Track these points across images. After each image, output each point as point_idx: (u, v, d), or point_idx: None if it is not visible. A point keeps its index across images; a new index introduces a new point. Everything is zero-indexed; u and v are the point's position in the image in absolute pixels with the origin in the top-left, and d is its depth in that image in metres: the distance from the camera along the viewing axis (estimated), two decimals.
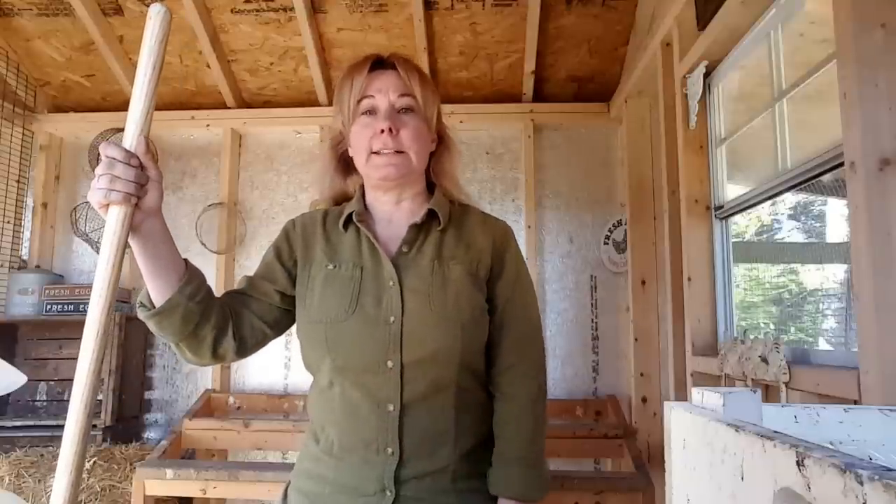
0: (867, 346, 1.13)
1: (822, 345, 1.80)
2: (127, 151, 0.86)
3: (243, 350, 1.07)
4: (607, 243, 3.03)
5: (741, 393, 0.59)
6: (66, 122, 3.28)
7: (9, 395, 2.84)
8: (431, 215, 1.11)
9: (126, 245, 0.87)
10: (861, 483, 0.34)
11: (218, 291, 1.05)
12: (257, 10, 2.85)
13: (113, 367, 2.80)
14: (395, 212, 1.15)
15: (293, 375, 3.07)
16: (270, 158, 3.26)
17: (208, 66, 3.06)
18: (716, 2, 1.81)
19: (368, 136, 1.08)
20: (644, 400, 2.68)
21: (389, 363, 1.02)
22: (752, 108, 1.84)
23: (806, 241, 1.97)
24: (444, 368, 1.04)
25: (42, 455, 2.54)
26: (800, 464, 0.39)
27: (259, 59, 3.07)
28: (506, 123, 3.15)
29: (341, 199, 1.21)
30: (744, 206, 1.84)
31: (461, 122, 3.05)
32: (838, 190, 1.56)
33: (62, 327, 2.99)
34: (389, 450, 1.02)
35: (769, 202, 1.78)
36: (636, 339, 2.72)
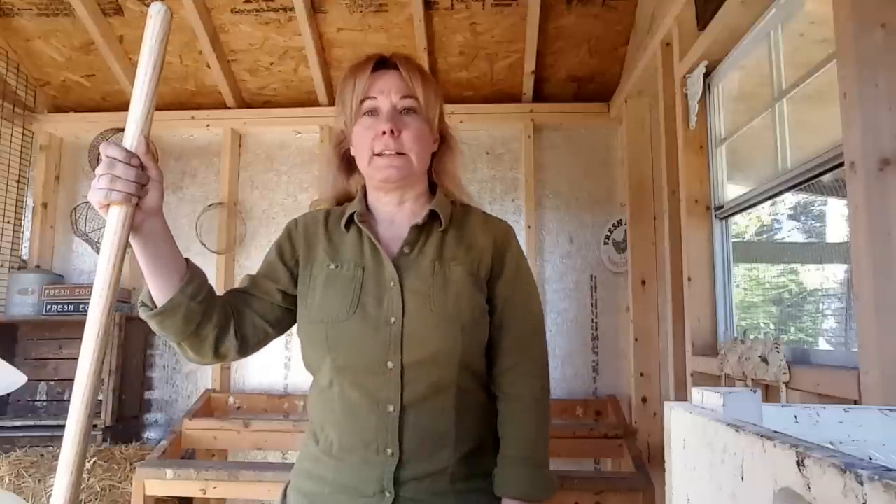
0: (867, 346, 1.13)
1: (822, 345, 1.80)
2: (127, 151, 0.86)
3: (245, 349, 1.08)
4: (607, 243, 3.03)
5: (741, 393, 0.59)
6: (66, 122, 3.28)
7: (9, 395, 2.84)
8: (433, 216, 1.11)
9: (127, 245, 0.87)
10: (861, 483, 0.34)
11: (218, 291, 1.05)
12: (257, 10, 2.85)
13: (113, 367, 2.80)
14: (396, 212, 1.15)
15: (293, 375, 3.07)
16: (270, 158, 3.26)
17: (208, 66, 3.06)
18: (716, 2, 1.81)
19: (370, 137, 1.08)
20: (644, 400, 2.68)
21: (390, 364, 1.02)
22: (752, 108, 1.84)
23: (806, 241, 1.97)
24: (444, 369, 1.04)
25: (42, 455, 2.54)
26: (800, 464, 0.39)
27: (259, 59, 3.07)
28: (506, 123, 3.15)
29: (343, 199, 1.21)
30: (744, 206, 1.84)
31: (461, 122, 3.05)
32: (838, 190, 1.56)
33: (62, 327, 2.99)
34: (389, 450, 1.02)
35: (769, 202, 1.78)
36: (636, 339, 2.72)
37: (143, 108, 0.86)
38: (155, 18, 0.86)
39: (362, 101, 1.10)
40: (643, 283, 2.74)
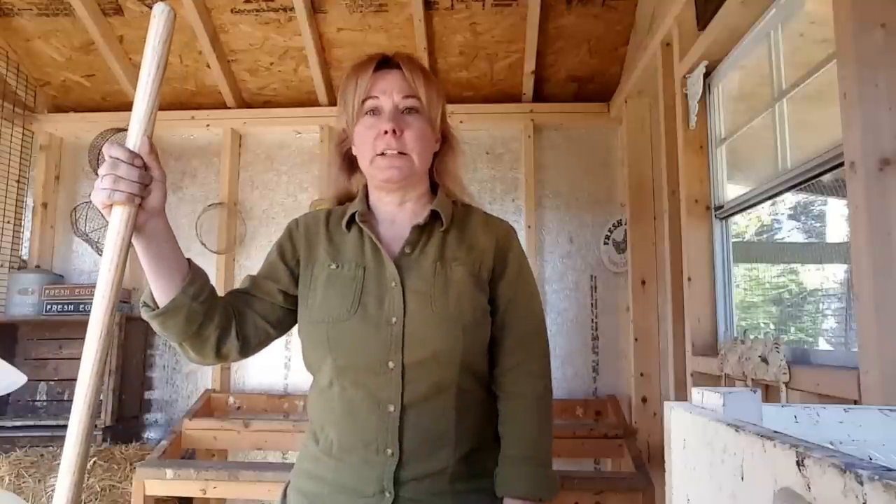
0: (867, 346, 1.13)
1: (822, 345, 1.81)
2: (130, 152, 0.86)
3: (246, 349, 1.08)
4: (607, 243, 3.03)
5: (741, 393, 0.59)
6: (66, 122, 3.28)
7: (9, 395, 2.84)
8: (434, 216, 1.11)
9: (130, 245, 0.87)
10: (861, 483, 0.34)
11: (218, 292, 1.05)
12: (257, 10, 2.85)
13: (113, 367, 2.80)
14: (398, 212, 1.15)
15: (293, 375, 3.07)
16: (270, 158, 3.26)
17: (208, 66, 3.06)
18: (716, 2, 1.81)
19: (372, 136, 1.07)
20: (644, 400, 2.68)
21: (391, 364, 1.02)
22: (752, 108, 1.84)
23: (806, 241, 1.97)
24: (445, 369, 1.04)
25: (42, 455, 2.54)
26: (800, 464, 0.39)
27: (259, 59, 3.07)
28: (506, 123, 3.15)
29: (344, 199, 1.21)
30: (744, 206, 1.84)
31: (461, 122, 3.05)
32: (838, 190, 1.56)
33: (62, 327, 2.99)
34: (389, 451, 1.02)
35: (769, 202, 1.78)
36: (636, 339, 2.72)
37: (147, 109, 0.86)
38: (158, 19, 0.86)
39: (364, 101, 1.09)
40: (643, 283, 2.74)
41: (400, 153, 1.07)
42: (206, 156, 3.28)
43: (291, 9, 2.80)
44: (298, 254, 1.14)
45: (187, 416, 2.77)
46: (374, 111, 1.09)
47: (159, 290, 0.96)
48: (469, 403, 1.09)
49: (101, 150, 3.03)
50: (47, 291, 2.98)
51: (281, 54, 3.05)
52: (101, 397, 2.76)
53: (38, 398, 2.98)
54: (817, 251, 1.90)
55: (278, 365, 3.09)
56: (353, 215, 1.12)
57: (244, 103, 3.26)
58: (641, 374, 2.70)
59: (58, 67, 3.18)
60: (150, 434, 3.09)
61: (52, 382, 2.99)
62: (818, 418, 0.63)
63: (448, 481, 1.04)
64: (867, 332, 1.13)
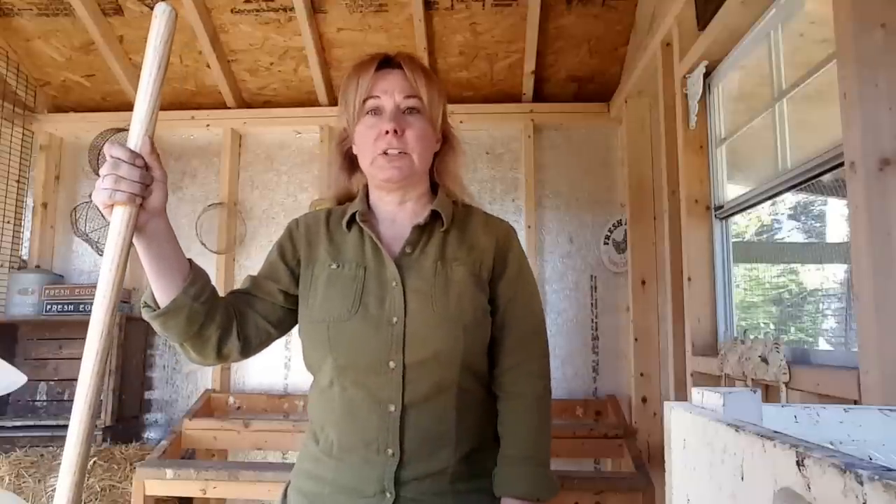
0: (867, 346, 1.13)
1: (822, 345, 1.81)
2: (132, 152, 0.86)
3: (247, 350, 1.08)
4: (607, 243, 3.03)
5: (741, 393, 0.59)
6: (66, 122, 3.28)
7: (9, 395, 2.84)
8: (435, 216, 1.11)
9: (131, 245, 0.87)
10: (861, 483, 0.34)
11: (218, 292, 1.05)
12: (257, 10, 2.85)
13: (113, 367, 2.80)
14: (398, 212, 1.15)
15: (293, 375, 3.07)
16: (270, 158, 3.26)
17: (208, 66, 3.06)
18: (716, 2, 1.81)
19: (373, 136, 1.07)
20: (644, 400, 2.68)
21: (391, 364, 1.02)
22: (752, 108, 1.84)
23: (806, 241, 1.97)
24: (446, 369, 1.04)
25: (42, 455, 2.54)
26: (800, 464, 0.40)
27: (259, 59, 3.07)
28: (506, 123, 3.15)
29: (345, 199, 1.21)
30: (744, 206, 1.84)
31: (461, 122, 3.05)
32: (838, 190, 1.56)
33: (62, 327, 2.99)
34: (390, 451, 1.02)
35: (769, 202, 1.78)
36: (636, 339, 2.72)
37: (148, 109, 0.86)
38: (160, 19, 0.86)
39: (365, 101, 1.09)
40: (643, 283, 2.74)
41: (401, 153, 1.07)
42: (206, 156, 3.28)
43: (291, 9, 2.80)
44: (299, 254, 1.14)
45: (187, 416, 2.77)
46: (376, 111, 1.09)
47: (160, 290, 0.96)
48: (470, 403, 1.09)
49: (101, 150, 3.03)
50: (47, 291, 2.99)
51: (281, 54, 3.05)
52: (102, 397, 2.76)
53: (38, 398, 2.98)
54: (817, 251, 1.90)
55: (278, 365, 3.09)
56: (353, 215, 1.12)
57: (244, 103, 3.26)
58: (641, 374, 2.70)
59: (58, 67, 3.18)
60: (150, 434, 3.09)
61: (52, 382, 2.99)
62: (818, 418, 0.63)
63: (449, 481, 1.04)
64: (867, 332, 1.13)
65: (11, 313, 2.99)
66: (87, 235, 3.13)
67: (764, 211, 1.97)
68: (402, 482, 1.02)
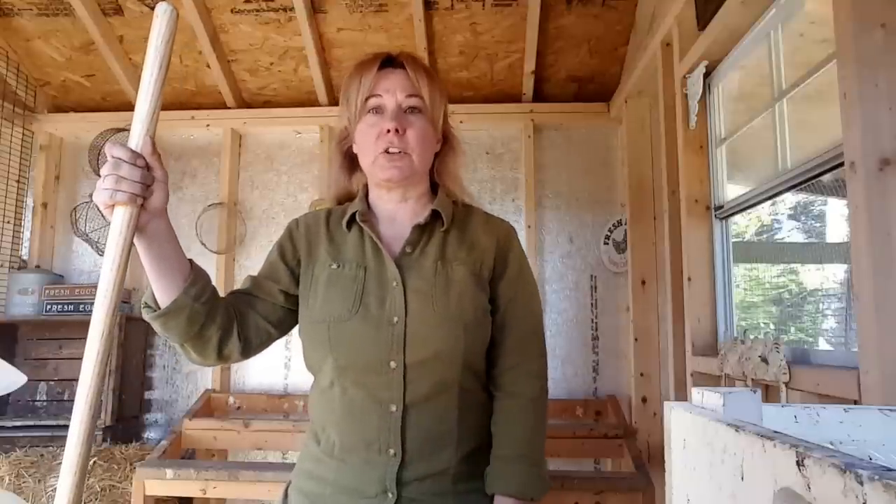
0: (867, 346, 1.13)
1: (822, 345, 1.81)
2: (133, 152, 0.86)
3: (248, 350, 1.08)
4: (607, 243, 3.03)
5: (741, 393, 0.59)
6: (66, 122, 3.28)
7: (9, 395, 2.84)
8: (435, 216, 1.11)
9: (132, 246, 0.86)
10: (861, 483, 0.34)
11: (218, 292, 1.05)
12: (257, 10, 2.85)
13: (113, 367, 2.80)
14: (398, 211, 1.14)
15: (293, 375, 3.08)
16: (270, 158, 3.26)
17: (208, 66, 3.06)
18: (716, 2, 1.81)
19: (374, 135, 1.07)
20: (644, 400, 2.68)
21: (392, 364, 1.02)
22: (752, 108, 1.84)
23: (806, 241, 1.97)
24: (447, 369, 1.04)
25: (42, 455, 2.54)
26: (800, 464, 0.40)
27: (259, 59, 3.07)
28: (506, 123, 3.15)
29: (345, 199, 1.21)
30: (744, 206, 1.84)
31: (461, 122, 3.05)
32: (838, 190, 1.56)
33: (62, 327, 2.99)
34: (391, 451, 1.02)
35: (769, 202, 1.78)
36: (636, 339, 2.72)
37: (149, 109, 0.86)
38: (161, 18, 0.85)
39: (367, 99, 1.09)
40: (643, 283, 2.74)
41: (401, 152, 1.07)
42: (206, 156, 3.28)
43: (291, 9, 2.80)
44: (299, 254, 1.14)
45: (187, 416, 2.77)
46: (377, 110, 1.09)
47: (161, 290, 0.96)
48: (471, 403, 1.09)
49: (101, 150, 3.03)
50: (47, 291, 2.99)
51: (281, 54, 3.05)
52: (102, 397, 2.76)
53: (38, 398, 2.98)
54: (817, 251, 1.90)
55: (278, 365, 3.09)
56: (353, 215, 1.12)
57: (244, 103, 3.26)
58: (641, 374, 2.70)
59: (58, 67, 3.18)
60: (150, 434, 3.09)
61: (52, 382, 2.99)
62: (818, 418, 0.63)
63: (450, 481, 1.04)
64: (867, 332, 1.13)
65: (11, 313, 2.99)
66: (87, 235, 3.13)
67: (764, 211, 1.97)
68: (404, 482, 1.01)
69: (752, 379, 1.56)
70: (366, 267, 1.08)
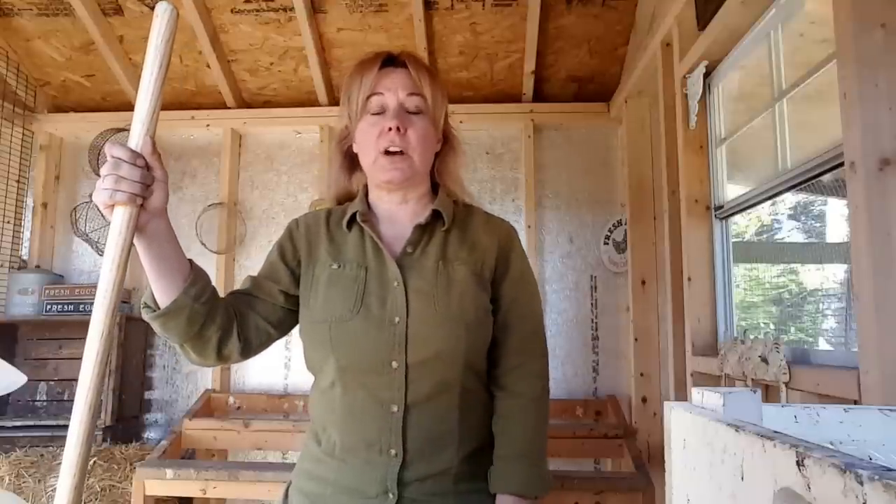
0: (867, 346, 1.13)
1: (822, 345, 1.81)
2: (133, 152, 0.86)
3: (248, 351, 1.07)
4: (607, 243, 3.03)
5: (741, 393, 0.59)
6: (66, 122, 3.28)
7: (9, 395, 2.84)
8: (436, 216, 1.11)
9: (131, 246, 0.86)
10: (861, 483, 0.34)
11: (218, 292, 1.05)
12: (257, 10, 2.85)
13: (113, 367, 2.80)
14: (398, 211, 1.14)
15: (293, 375, 3.08)
16: (270, 158, 3.26)
17: (208, 66, 3.06)
18: (716, 2, 1.81)
19: (376, 133, 1.07)
20: (644, 400, 2.68)
21: (394, 364, 1.02)
22: (752, 108, 1.84)
23: (806, 241, 1.97)
24: (448, 369, 1.04)
25: (42, 455, 2.54)
26: (800, 464, 0.40)
27: (259, 59, 3.07)
28: (506, 123, 3.15)
29: (344, 199, 1.21)
30: (744, 206, 1.84)
31: (461, 122, 3.05)
32: (838, 190, 1.56)
33: (62, 327, 2.99)
34: (393, 451, 1.02)
35: (769, 202, 1.78)
36: (636, 339, 2.72)
37: (149, 108, 0.85)
38: (161, 18, 0.85)
39: (369, 98, 1.09)
40: (643, 283, 2.74)
41: (402, 153, 1.07)
42: (206, 156, 3.28)
43: (291, 9, 2.80)
44: (299, 254, 1.13)
45: (187, 416, 2.77)
46: (379, 108, 1.09)
47: (160, 290, 0.96)
48: (472, 403, 1.09)
49: (101, 150, 3.03)
50: (47, 291, 2.99)
51: (281, 54, 3.05)
52: (102, 397, 2.76)
53: (38, 398, 2.98)
54: (817, 251, 1.90)
55: (278, 365, 3.09)
56: (353, 215, 1.12)
57: (244, 103, 3.26)
58: (641, 374, 2.70)
59: (58, 67, 3.18)
60: (150, 434, 3.09)
61: (52, 382, 2.99)
62: (818, 418, 0.63)
63: (452, 482, 1.04)
64: (867, 332, 1.13)
65: (11, 313, 2.99)
66: (87, 235, 3.13)
67: (764, 211, 1.97)
68: (405, 483, 1.01)
69: (752, 379, 1.56)
70: (366, 267, 1.08)
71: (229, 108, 3.22)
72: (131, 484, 2.32)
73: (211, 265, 3.04)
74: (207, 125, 3.20)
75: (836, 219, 1.73)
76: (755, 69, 1.84)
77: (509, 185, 3.15)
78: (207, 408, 2.93)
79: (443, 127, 1.17)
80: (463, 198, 1.19)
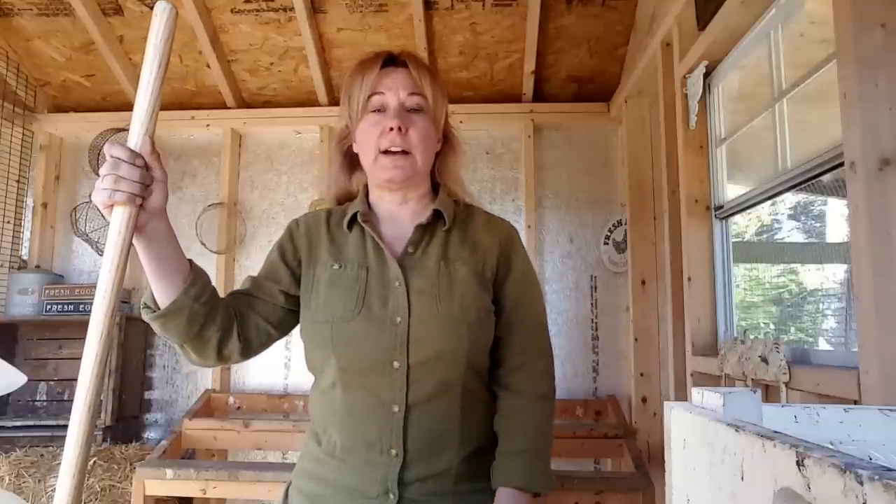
0: (867, 346, 1.13)
1: (822, 345, 1.81)
2: (132, 151, 0.86)
3: (248, 351, 1.07)
4: (607, 243, 3.03)
5: (741, 393, 0.59)
6: (66, 122, 3.28)
7: (9, 395, 2.84)
8: (437, 216, 1.11)
9: (131, 246, 0.86)
10: (861, 483, 0.34)
11: (218, 292, 1.05)
12: (257, 10, 2.85)
13: (113, 367, 2.80)
14: (399, 211, 1.14)
15: (293, 375, 3.08)
16: (270, 158, 3.26)
17: (208, 66, 3.06)
18: (716, 2, 1.81)
19: (377, 133, 1.07)
20: (644, 400, 2.68)
21: (396, 364, 1.02)
22: (752, 108, 1.84)
23: (806, 241, 1.97)
24: (450, 369, 1.04)
25: (42, 455, 2.54)
26: (800, 464, 0.40)
27: (259, 59, 3.07)
28: (506, 123, 3.15)
29: (344, 199, 1.20)
30: (744, 206, 1.84)
31: (461, 122, 3.04)
32: (838, 190, 1.56)
33: (62, 327, 2.99)
34: (393, 451, 1.02)
35: (769, 202, 1.78)
36: (636, 339, 2.72)
37: (148, 108, 0.85)
38: (160, 17, 0.85)
39: (370, 97, 1.09)
40: (643, 283, 2.74)
41: (404, 151, 1.07)
42: (206, 156, 3.28)
43: (291, 9, 2.80)
44: (300, 254, 1.13)
45: (187, 416, 2.77)
46: (380, 108, 1.09)
47: (160, 291, 0.96)
48: (474, 403, 1.09)
49: (101, 150, 3.03)
50: (47, 291, 2.99)
51: (281, 54, 3.05)
52: (101, 397, 2.76)
53: (38, 398, 2.98)
54: (817, 251, 1.90)
55: (278, 365, 3.09)
56: (354, 215, 1.12)
57: (244, 103, 3.26)
58: (641, 374, 2.70)
59: (58, 67, 3.18)
60: (150, 434, 3.09)
61: (52, 382, 2.99)
62: (818, 418, 0.63)
63: (452, 482, 1.04)
64: (867, 332, 1.13)
65: (11, 313, 2.99)
66: (87, 235, 3.13)
67: (764, 211, 1.97)
68: (406, 483, 1.01)
69: (752, 379, 1.56)
70: (367, 267, 1.08)
71: (229, 108, 3.22)
72: (131, 484, 2.32)
73: (211, 265, 3.04)
74: (207, 125, 3.20)
75: (836, 219, 1.73)
76: (755, 69, 1.84)
77: (509, 185, 3.15)
78: (207, 408, 2.93)
79: (443, 127, 1.17)
80: (463, 198, 1.19)
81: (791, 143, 1.64)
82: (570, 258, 3.07)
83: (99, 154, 3.08)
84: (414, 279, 1.05)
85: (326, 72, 3.10)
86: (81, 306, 2.97)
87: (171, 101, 3.20)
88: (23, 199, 3.21)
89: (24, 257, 3.23)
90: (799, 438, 0.44)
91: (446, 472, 1.04)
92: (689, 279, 1.99)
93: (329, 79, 3.13)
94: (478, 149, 3.16)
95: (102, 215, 0.91)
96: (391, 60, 1.12)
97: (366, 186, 1.18)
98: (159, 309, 0.96)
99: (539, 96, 3.14)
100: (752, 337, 1.61)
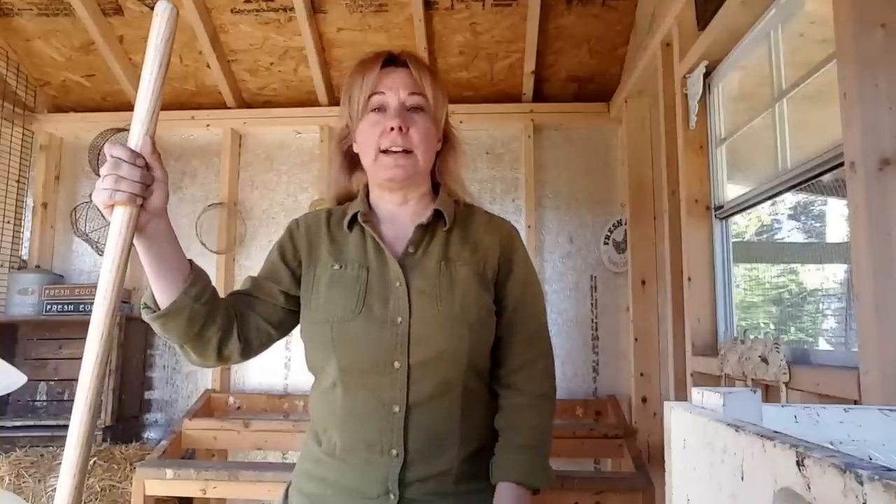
0: (867, 346, 1.13)
1: (822, 345, 1.81)
2: (132, 151, 0.86)
3: (248, 351, 1.07)
4: (607, 243, 3.03)
5: (741, 393, 0.59)
6: (66, 122, 3.28)
7: (9, 395, 2.84)
8: (437, 216, 1.11)
9: (131, 246, 0.86)
10: (861, 483, 0.34)
11: (218, 292, 1.05)
12: (257, 10, 2.85)
13: (113, 367, 2.80)
14: (399, 211, 1.14)
15: (293, 375, 3.08)
16: (270, 158, 3.26)
17: (208, 66, 3.06)
18: (716, 2, 1.81)
19: (377, 133, 1.07)
20: (644, 400, 2.68)
21: (396, 364, 1.02)
22: (752, 108, 1.84)
23: (806, 241, 1.97)
24: (451, 369, 1.04)
25: (42, 455, 2.54)
26: (800, 464, 0.40)
27: (259, 59, 3.07)
28: (506, 123, 3.15)
29: (344, 199, 1.20)
30: (744, 206, 1.84)
31: (461, 122, 3.04)
32: (838, 190, 1.56)
33: (62, 327, 2.99)
34: (394, 451, 1.02)
35: (769, 202, 1.78)
36: (636, 339, 2.72)
37: (149, 108, 0.85)
38: (161, 17, 0.85)
39: (370, 97, 1.09)
40: (643, 283, 2.74)
41: (405, 151, 1.07)
42: (206, 156, 3.28)
43: (291, 9, 2.80)
44: (300, 254, 1.13)
45: (187, 416, 2.77)
46: (380, 108, 1.09)
47: (160, 291, 0.95)
48: (474, 403, 1.08)
49: (101, 150, 3.03)
50: (47, 291, 2.99)
51: (281, 54, 3.05)
52: (102, 397, 2.76)
53: (38, 398, 2.98)
54: (817, 251, 1.90)
55: (278, 365, 3.09)
56: (354, 215, 1.12)
57: (244, 103, 3.26)
58: (641, 374, 2.70)
59: (58, 67, 3.18)
60: (150, 434, 3.09)
61: (52, 382, 2.99)
62: (818, 418, 0.63)
63: (453, 482, 1.04)
64: (867, 332, 1.13)
65: (11, 313, 2.99)
66: (87, 235, 3.13)
67: (764, 211, 1.97)
68: (406, 483, 1.01)
69: (752, 379, 1.56)
70: (368, 267, 1.07)
71: (229, 108, 3.22)
72: (131, 484, 2.32)
73: (211, 265, 3.04)
74: (207, 125, 3.20)
75: (836, 219, 1.73)
76: (755, 69, 1.84)
77: (509, 185, 3.15)
78: (207, 408, 2.93)
79: (443, 127, 1.17)
80: (464, 197, 1.19)
81: (791, 143, 1.64)
82: (570, 258, 3.07)
83: (99, 154, 3.08)
84: (415, 279, 1.05)
85: (326, 72, 3.10)
86: (81, 306, 2.97)
87: (172, 101, 3.20)
88: (23, 199, 3.21)
89: (24, 257, 3.23)
90: (799, 438, 0.44)
91: (447, 473, 1.04)
92: (689, 279, 1.99)
93: (329, 79, 3.13)
94: (478, 149, 3.16)
95: (103, 215, 0.91)
96: (391, 60, 1.12)
97: (366, 186, 1.18)
98: (159, 309, 0.96)
99: (539, 96, 3.14)
100: (752, 337, 1.61)
